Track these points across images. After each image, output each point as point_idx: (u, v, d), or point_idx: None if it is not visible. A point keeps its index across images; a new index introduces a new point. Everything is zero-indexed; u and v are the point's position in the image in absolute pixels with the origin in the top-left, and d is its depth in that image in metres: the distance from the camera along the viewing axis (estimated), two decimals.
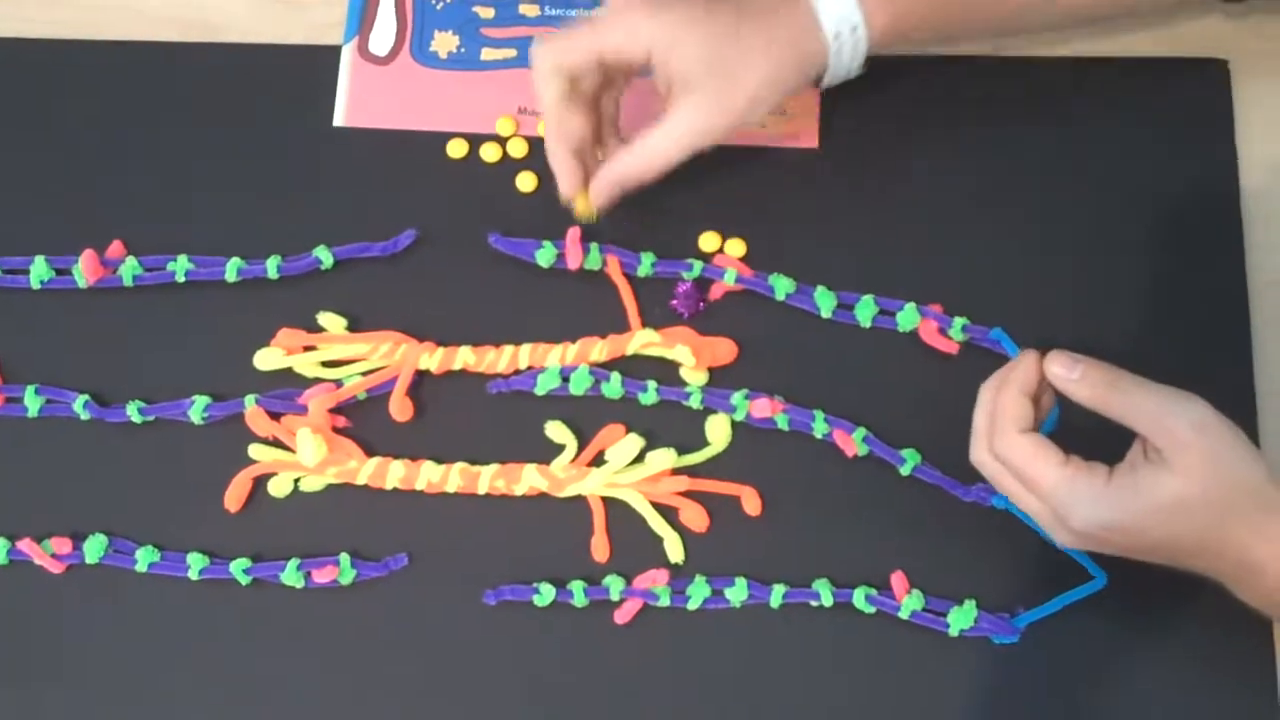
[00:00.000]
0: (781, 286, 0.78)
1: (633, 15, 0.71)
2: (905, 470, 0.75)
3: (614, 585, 0.74)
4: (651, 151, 0.73)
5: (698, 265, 0.78)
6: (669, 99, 0.72)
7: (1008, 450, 0.65)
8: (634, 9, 0.71)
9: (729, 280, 0.78)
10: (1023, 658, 0.73)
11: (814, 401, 0.76)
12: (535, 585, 0.74)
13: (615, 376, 0.76)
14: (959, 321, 0.77)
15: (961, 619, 0.73)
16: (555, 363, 0.77)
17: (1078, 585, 0.73)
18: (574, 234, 0.78)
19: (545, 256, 0.78)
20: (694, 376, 0.77)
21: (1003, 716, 0.73)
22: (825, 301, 0.77)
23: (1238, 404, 0.75)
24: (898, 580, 0.74)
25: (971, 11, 0.75)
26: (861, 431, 0.75)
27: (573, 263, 0.78)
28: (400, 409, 0.77)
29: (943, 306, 0.77)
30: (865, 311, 0.77)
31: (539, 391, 0.77)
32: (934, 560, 0.74)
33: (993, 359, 0.76)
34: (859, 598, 0.73)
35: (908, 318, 0.77)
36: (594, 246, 0.78)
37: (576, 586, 0.74)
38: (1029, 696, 0.73)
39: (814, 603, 0.74)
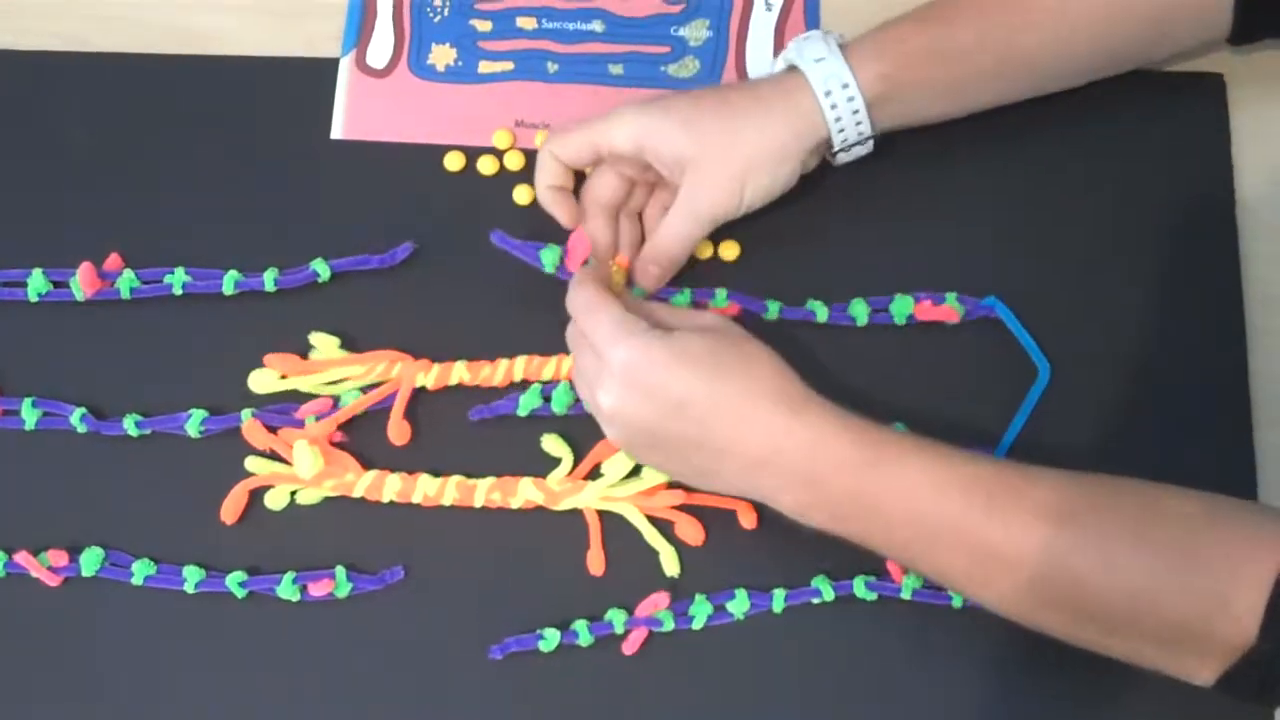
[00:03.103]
0: (774, 308, 0.78)
1: (622, 112, 0.74)
2: None
3: (617, 619, 0.74)
4: (669, 234, 0.76)
5: (687, 291, 0.78)
6: (676, 185, 0.75)
7: (574, 299, 0.71)
8: (621, 109, 0.74)
9: (719, 303, 0.78)
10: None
11: None
12: (540, 632, 0.74)
13: None
14: (951, 296, 0.78)
15: None
16: (550, 376, 0.77)
17: None
18: (579, 235, 0.78)
19: (550, 258, 0.78)
20: None
21: (1018, 677, 0.73)
22: (819, 309, 0.78)
23: (1234, 416, 0.76)
24: (894, 564, 0.74)
25: (962, 67, 0.75)
26: None
27: (573, 266, 0.77)
28: (398, 433, 0.77)
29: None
30: (859, 309, 0.77)
31: (521, 413, 0.77)
32: None
33: (988, 337, 0.77)
34: (859, 586, 0.74)
35: (901, 306, 0.77)
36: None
37: (580, 626, 0.73)
38: (1039, 653, 0.71)
39: (815, 600, 0.74)
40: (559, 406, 0.76)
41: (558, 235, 0.78)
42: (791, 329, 0.78)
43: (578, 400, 0.76)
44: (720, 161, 0.73)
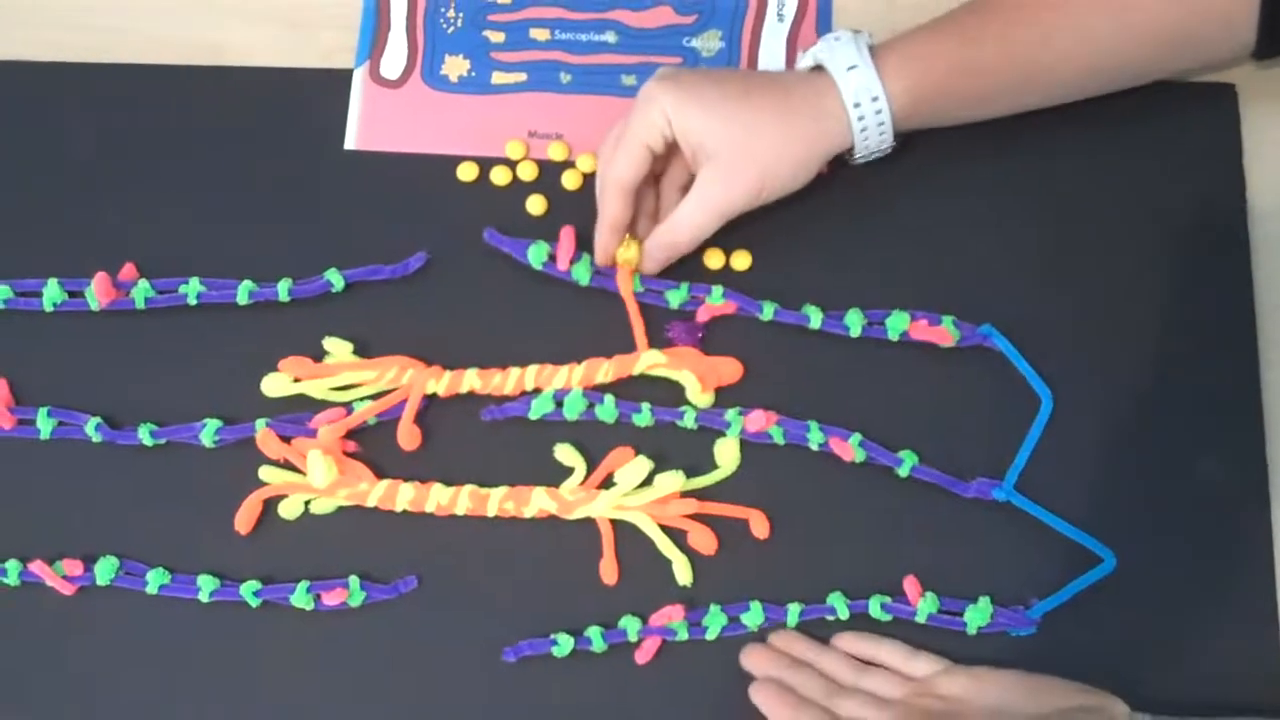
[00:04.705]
0: (769, 309, 0.78)
1: (648, 93, 0.73)
2: (903, 471, 0.75)
3: (630, 626, 0.74)
4: (681, 221, 0.75)
5: (684, 286, 0.78)
6: (695, 170, 0.75)
7: None
8: (650, 86, 0.74)
9: (715, 300, 0.78)
10: (1041, 647, 0.73)
11: (820, 417, 0.77)
12: (553, 637, 0.74)
13: (609, 399, 0.77)
14: (948, 319, 0.77)
15: (978, 616, 0.73)
16: (561, 384, 0.77)
17: (1087, 570, 0.73)
18: (568, 231, 0.78)
19: (536, 255, 0.78)
20: (700, 400, 0.77)
21: None
22: (814, 315, 0.78)
23: (1244, 426, 0.76)
24: (910, 585, 0.74)
25: (989, 82, 0.75)
26: (857, 437, 0.76)
27: (562, 263, 0.78)
28: (408, 438, 0.77)
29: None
30: (854, 320, 0.77)
31: (533, 416, 0.77)
32: (944, 560, 0.75)
33: (984, 361, 0.77)
34: (875, 607, 0.74)
35: (896, 322, 0.77)
36: (586, 256, 0.78)
37: (594, 633, 0.74)
38: None
39: (830, 617, 0.74)
40: (571, 413, 0.77)
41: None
42: (784, 333, 0.78)
43: (590, 406, 0.77)
44: (740, 158, 0.73)
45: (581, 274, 0.78)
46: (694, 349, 0.78)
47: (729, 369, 0.77)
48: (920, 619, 0.73)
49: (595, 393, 0.77)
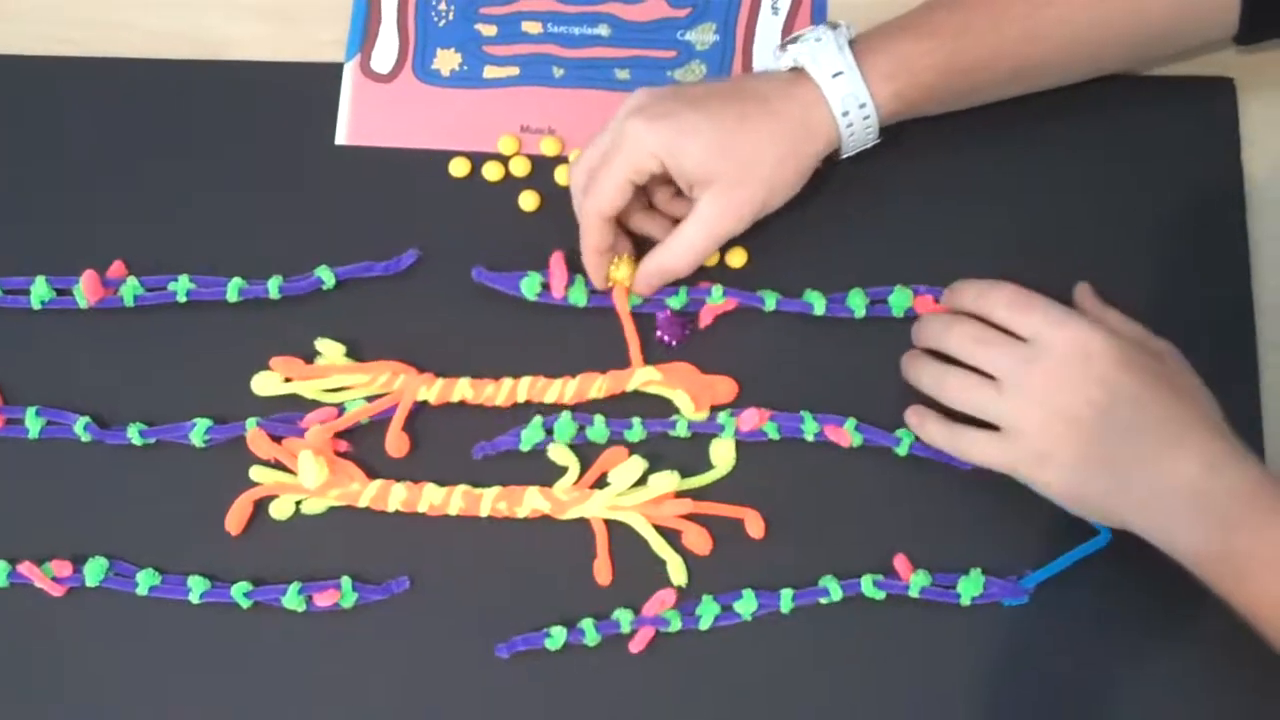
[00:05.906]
0: (771, 299, 0.78)
1: (635, 134, 0.72)
2: (901, 450, 0.75)
3: (623, 618, 0.74)
4: (682, 245, 0.74)
5: (683, 290, 0.78)
6: (692, 195, 0.74)
7: (1000, 292, 0.72)
8: (635, 125, 0.72)
9: (716, 299, 0.78)
10: (1034, 618, 0.73)
11: (826, 405, 0.76)
12: (546, 630, 0.73)
13: (599, 420, 0.76)
14: None
15: (971, 587, 0.73)
16: (554, 398, 0.76)
17: (1082, 543, 0.73)
18: (558, 258, 0.78)
19: (530, 287, 0.78)
20: (694, 417, 0.76)
21: (1022, 677, 0.73)
22: (817, 301, 0.77)
23: (1244, 420, 0.75)
24: (901, 563, 0.74)
25: (977, 78, 0.75)
26: (852, 422, 0.75)
27: (557, 291, 0.78)
28: (396, 445, 0.76)
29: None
30: (857, 301, 0.77)
31: (524, 448, 0.76)
32: (940, 535, 0.75)
33: None
34: (867, 585, 0.73)
35: (900, 299, 0.77)
36: (580, 278, 0.78)
37: (587, 625, 0.73)
38: (1044, 655, 0.73)
39: (823, 600, 0.74)
40: (562, 439, 0.76)
41: (558, 248, 0.78)
42: (789, 322, 0.78)
43: (580, 429, 0.76)
44: (738, 183, 0.73)
45: (578, 298, 0.78)
46: (690, 367, 0.77)
47: (724, 388, 0.77)
48: (913, 593, 0.73)
49: (585, 415, 0.76)
